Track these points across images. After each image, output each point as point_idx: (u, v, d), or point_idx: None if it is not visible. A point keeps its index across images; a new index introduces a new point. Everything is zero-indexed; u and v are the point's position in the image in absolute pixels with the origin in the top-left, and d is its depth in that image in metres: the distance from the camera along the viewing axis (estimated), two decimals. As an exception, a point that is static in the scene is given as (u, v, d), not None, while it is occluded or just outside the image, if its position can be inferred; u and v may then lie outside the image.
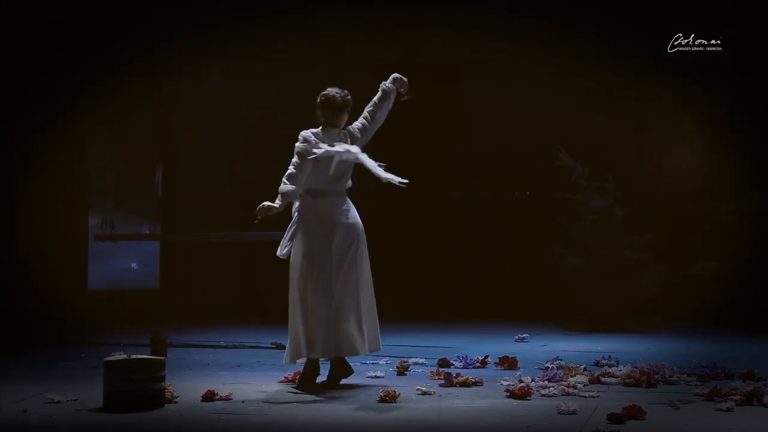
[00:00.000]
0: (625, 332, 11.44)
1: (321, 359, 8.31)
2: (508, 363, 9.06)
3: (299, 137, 8.32)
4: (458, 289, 12.88)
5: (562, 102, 13.13)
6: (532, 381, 8.16)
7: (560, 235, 11.98)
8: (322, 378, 8.34)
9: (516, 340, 10.81)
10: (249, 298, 13.13)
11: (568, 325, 11.72)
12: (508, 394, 7.77)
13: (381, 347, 8.50)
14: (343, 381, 8.30)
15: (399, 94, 8.48)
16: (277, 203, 8.17)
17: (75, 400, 7.55)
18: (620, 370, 8.49)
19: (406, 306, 12.48)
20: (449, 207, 13.09)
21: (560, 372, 8.39)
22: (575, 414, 7.10)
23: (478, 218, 12.92)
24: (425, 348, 10.23)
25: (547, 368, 8.64)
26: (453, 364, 9.15)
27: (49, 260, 11.81)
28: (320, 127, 8.38)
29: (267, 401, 7.60)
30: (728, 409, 7.24)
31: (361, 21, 13.41)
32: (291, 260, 8.30)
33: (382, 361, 9.31)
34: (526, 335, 10.93)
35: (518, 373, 8.56)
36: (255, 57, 13.26)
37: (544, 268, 12.04)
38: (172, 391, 7.56)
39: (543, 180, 12.99)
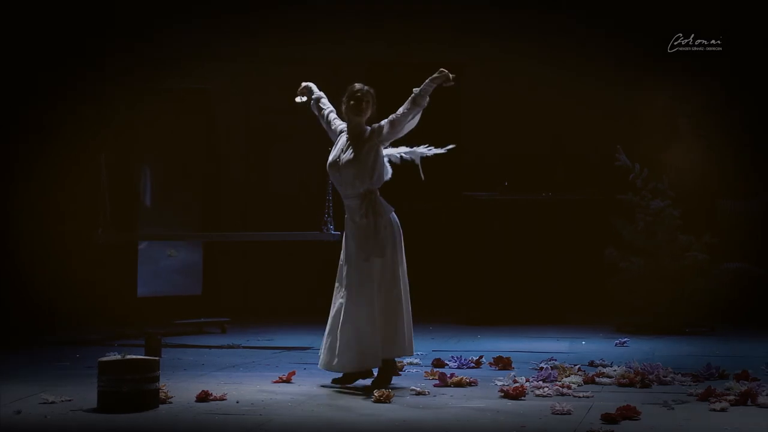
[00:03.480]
0: (689, 335, 11.35)
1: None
2: (503, 363, 9.06)
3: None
4: (520, 293, 12.49)
5: (560, 102, 13.09)
6: (526, 381, 8.18)
7: (611, 236, 11.81)
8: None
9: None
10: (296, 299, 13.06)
11: (623, 328, 11.56)
12: (503, 394, 7.78)
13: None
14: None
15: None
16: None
17: (69, 400, 7.55)
18: (614, 371, 8.50)
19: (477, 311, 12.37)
20: (482, 209, 12.74)
21: (554, 372, 8.40)
22: (569, 414, 7.11)
23: (519, 221, 12.59)
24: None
25: (541, 368, 8.64)
26: (447, 365, 9.15)
27: (96, 264, 11.86)
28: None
29: (261, 402, 7.60)
30: (722, 410, 7.25)
31: (358, 20, 13.41)
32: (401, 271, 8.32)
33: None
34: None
35: (512, 374, 8.56)
36: (250, 56, 13.25)
37: (602, 271, 11.85)
38: (166, 391, 7.57)
39: (551, 180, 12.89)
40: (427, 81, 8.26)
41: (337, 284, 8.33)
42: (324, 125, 8.65)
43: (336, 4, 13.44)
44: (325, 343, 8.28)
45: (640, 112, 13.17)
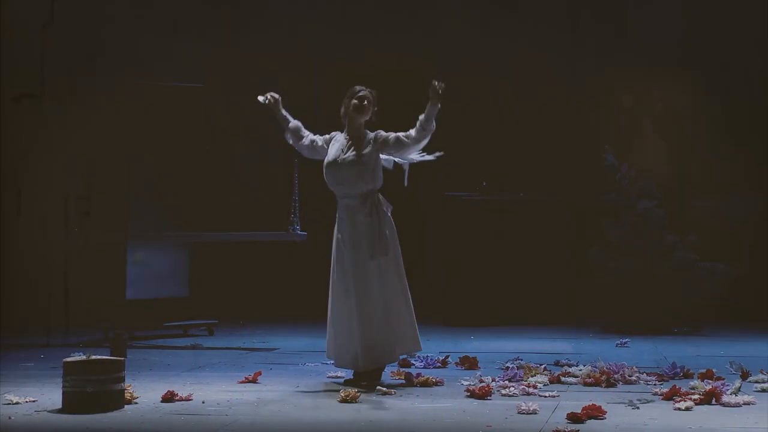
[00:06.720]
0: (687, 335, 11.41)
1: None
2: (469, 363, 9.08)
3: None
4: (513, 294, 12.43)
5: (550, 102, 13.10)
6: (492, 381, 8.20)
7: (595, 237, 11.81)
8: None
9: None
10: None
11: (609, 328, 11.56)
12: (469, 393, 7.79)
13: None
14: (305, 380, 8.39)
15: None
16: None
17: (34, 401, 7.52)
18: (580, 370, 8.53)
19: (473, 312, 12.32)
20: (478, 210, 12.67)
21: (520, 372, 8.42)
22: (535, 414, 7.12)
23: (513, 221, 12.53)
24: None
25: (507, 368, 8.66)
26: (414, 364, 9.15)
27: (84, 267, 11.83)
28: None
29: (227, 402, 7.58)
30: (687, 409, 7.28)
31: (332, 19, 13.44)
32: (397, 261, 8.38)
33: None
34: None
35: (479, 373, 8.58)
36: (219, 50, 13.23)
37: (587, 271, 11.85)
38: (131, 392, 7.54)
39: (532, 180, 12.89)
40: (428, 106, 8.26)
41: (338, 284, 8.34)
42: (303, 145, 8.53)
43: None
44: (338, 343, 8.34)
45: (610, 112, 13.21)
